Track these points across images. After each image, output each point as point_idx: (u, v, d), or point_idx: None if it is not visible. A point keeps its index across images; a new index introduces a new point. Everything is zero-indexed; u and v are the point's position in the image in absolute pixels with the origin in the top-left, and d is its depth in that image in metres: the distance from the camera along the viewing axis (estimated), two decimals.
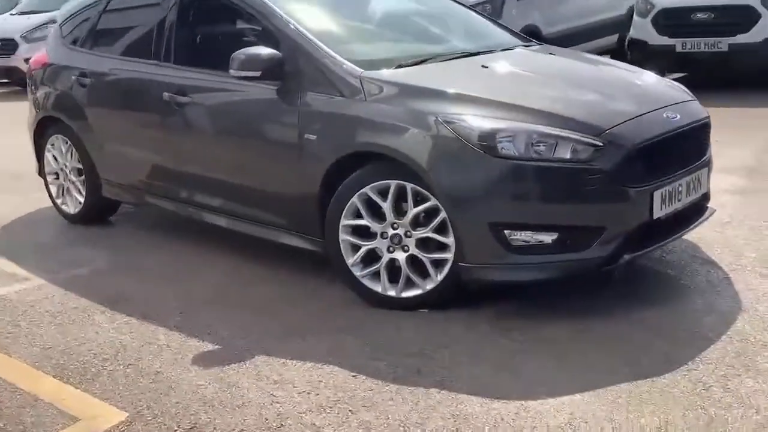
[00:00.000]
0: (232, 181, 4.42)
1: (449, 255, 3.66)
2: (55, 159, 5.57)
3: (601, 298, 3.84)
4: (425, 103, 3.71)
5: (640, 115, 3.71)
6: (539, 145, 3.49)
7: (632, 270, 4.04)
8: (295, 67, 4.06)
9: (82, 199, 5.43)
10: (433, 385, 3.13)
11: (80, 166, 5.36)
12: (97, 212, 5.49)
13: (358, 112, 3.82)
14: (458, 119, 3.57)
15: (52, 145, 5.55)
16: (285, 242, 4.23)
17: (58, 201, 5.62)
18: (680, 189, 3.76)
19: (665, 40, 9.24)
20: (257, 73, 4.02)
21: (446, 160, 3.55)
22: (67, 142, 5.41)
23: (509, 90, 3.89)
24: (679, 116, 3.83)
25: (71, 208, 5.53)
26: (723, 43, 8.88)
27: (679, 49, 9.11)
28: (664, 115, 3.79)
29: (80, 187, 5.42)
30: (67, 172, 5.48)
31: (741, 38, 8.80)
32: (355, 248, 3.87)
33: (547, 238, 3.54)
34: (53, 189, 5.66)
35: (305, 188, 4.00)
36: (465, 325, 3.63)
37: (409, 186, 3.68)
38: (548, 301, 3.79)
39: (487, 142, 3.50)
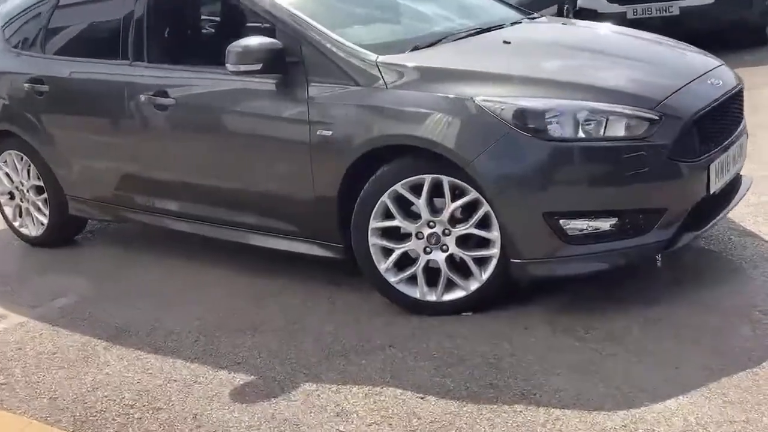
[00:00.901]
0: (231, 187, 3.98)
1: (494, 251, 3.34)
2: (9, 177, 5.00)
3: (652, 283, 3.57)
4: (458, 85, 3.35)
5: (687, 83, 3.45)
6: (590, 123, 3.18)
7: (672, 251, 3.78)
8: (296, 56, 3.64)
9: (45, 220, 4.88)
10: (515, 400, 2.80)
11: (40, 183, 4.82)
12: (64, 233, 4.96)
13: (381, 102, 3.43)
14: (499, 101, 3.23)
15: (4, 162, 4.98)
16: (297, 251, 3.82)
17: (16, 224, 5.06)
18: (729, 160, 3.53)
19: (615, 8, 9.12)
20: (257, 66, 3.59)
21: (491, 147, 3.20)
22: (22, 158, 4.85)
23: (544, 65, 3.57)
24: (721, 82, 3.59)
25: (33, 231, 4.98)
26: (674, 7, 8.81)
27: (630, 15, 8.98)
28: (708, 82, 3.54)
29: (41, 206, 4.88)
30: (25, 191, 4.93)
31: (692, 0, 8.74)
32: (387, 252, 3.51)
33: (605, 224, 3.24)
34: (8, 211, 5.09)
35: (321, 190, 3.61)
36: (519, 326, 3.31)
37: (446, 179, 3.33)
38: (595, 293, 3.50)
39: (535, 124, 3.18)
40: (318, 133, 3.56)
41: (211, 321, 3.67)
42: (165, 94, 4.05)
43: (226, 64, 3.61)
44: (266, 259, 4.09)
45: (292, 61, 3.64)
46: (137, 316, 3.80)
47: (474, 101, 3.25)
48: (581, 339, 3.17)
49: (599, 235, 3.25)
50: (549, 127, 3.17)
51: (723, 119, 3.51)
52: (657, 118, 3.21)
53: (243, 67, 3.60)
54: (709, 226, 3.45)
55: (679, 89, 3.38)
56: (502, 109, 3.20)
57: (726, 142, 3.49)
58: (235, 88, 3.83)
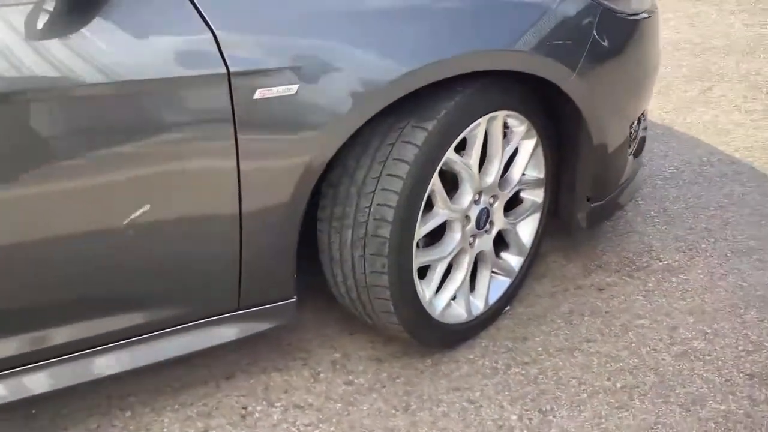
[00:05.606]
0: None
1: (538, 201, 2.22)
2: None
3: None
4: None
5: None
6: None
7: None
8: None
9: None
10: None
11: None
12: None
13: None
14: None
15: None
16: (214, 343, 1.83)
17: None
18: None
19: None
20: None
21: (590, 43, 1.99)
22: None
23: None
24: None
25: None
26: None
27: None
28: None
29: None
30: None
31: None
32: (421, 272, 1.99)
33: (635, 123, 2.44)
34: None
35: (258, 202, 1.71)
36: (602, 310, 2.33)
37: (501, 115, 1.98)
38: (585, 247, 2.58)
39: None
40: (255, 96, 1.61)
41: None
42: None
43: None
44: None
45: None
46: None
47: None
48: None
49: (632, 139, 2.43)
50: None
51: None
52: None
53: None
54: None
55: None
56: None
57: None
58: None
